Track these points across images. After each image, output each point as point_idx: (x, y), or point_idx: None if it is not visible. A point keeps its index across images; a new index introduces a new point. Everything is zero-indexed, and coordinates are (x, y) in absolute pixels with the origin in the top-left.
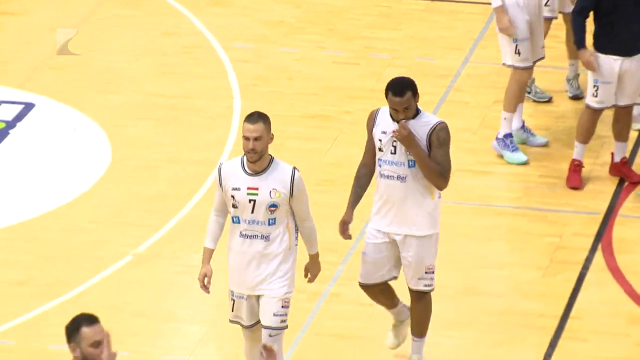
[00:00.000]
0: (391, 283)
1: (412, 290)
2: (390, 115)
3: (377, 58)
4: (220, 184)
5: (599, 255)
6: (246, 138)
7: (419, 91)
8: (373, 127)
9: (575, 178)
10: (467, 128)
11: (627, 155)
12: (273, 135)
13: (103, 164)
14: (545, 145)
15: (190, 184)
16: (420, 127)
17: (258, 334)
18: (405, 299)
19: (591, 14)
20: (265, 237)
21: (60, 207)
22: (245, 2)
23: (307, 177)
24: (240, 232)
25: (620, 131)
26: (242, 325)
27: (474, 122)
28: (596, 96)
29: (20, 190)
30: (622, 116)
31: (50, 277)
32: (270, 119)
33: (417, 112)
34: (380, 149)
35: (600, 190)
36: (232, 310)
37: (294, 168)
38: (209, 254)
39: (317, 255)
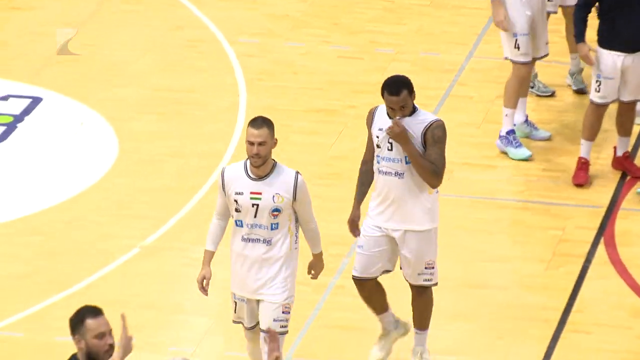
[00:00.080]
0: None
1: (413, 286)
2: (387, 114)
3: (381, 53)
4: (223, 188)
5: (601, 249)
6: (250, 143)
7: (414, 89)
8: (371, 124)
9: (581, 176)
10: (471, 122)
11: (630, 149)
12: (277, 140)
13: (110, 158)
14: (548, 139)
15: (196, 177)
16: (416, 125)
17: (258, 334)
18: (404, 294)
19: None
20: (267, 241)
21: (67, 200)
22: None
23: (312, 171)
24: (242, 236)
25: (623, 126)
26: (243, 326)
27: (477, 116)
28: (599, 91)
29: (28, 184)
30: (625, 111)
31: (57, 270)
32: (276, 112)
33: (414, 110)
34: (377, 146)
35: (602, 184)
36: (235, 312)
37: (297, 172)
38: (209, 256)
39: (321, 254)
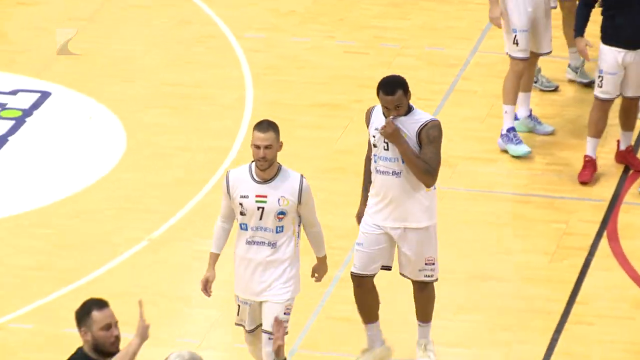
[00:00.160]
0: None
1: (414, 281)
2: (383, 113)
3: (386, 48)
4: (228, 192)
5: (604, 242)
6: (257, 146)
7: (410, 89)
8: (369, 124)
9: (585, 174)
10: (475, 117)
11: (633, 143)
12: (282, 142)
13: (118, 152)
14: (552, 133)
15: (203, 171)
16: (411, 125)
17: (258, 337)
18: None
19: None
20: (272, 244)
21: (76, 193)
22: None
23: (318, 165)
24: (247, 239)
25: (627, 121)
26: (244, 329)
27: (482, 110)
28: (601, 87)
29: (37, 178)
30: (629, 107)
31: (66, 263)
32: (282, 107)
33: (410, 109)
34: (374, 145)
35: (605, 178)
36: (238, 315)
37: (302, 176)
38: (214, 259)
39: (324, 257)
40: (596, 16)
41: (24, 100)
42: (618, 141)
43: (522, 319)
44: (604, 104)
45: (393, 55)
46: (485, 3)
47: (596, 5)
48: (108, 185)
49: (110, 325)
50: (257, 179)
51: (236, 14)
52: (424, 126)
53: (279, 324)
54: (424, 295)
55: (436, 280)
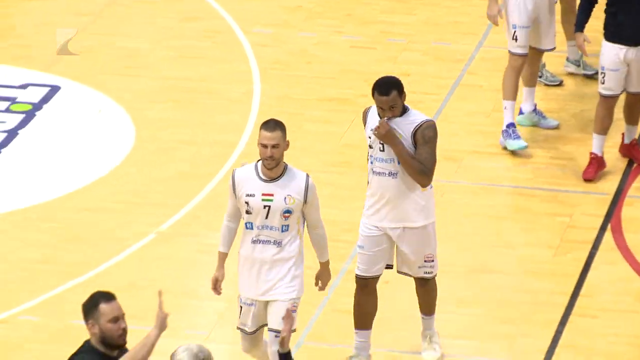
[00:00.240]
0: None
1: (415, 277)
2: (378, 114)
3: (393, 43)
4: (234, 190)
5: (608, 235)
6: (264, 145)
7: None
8: (365, 125)
9: (589, 171)
10: (481, 111)
11: (637, 137)
12: (289, 141)
13: (127, 145)
14: (556, 127)
15: (211, 165)
16: (406, 125)
17: (259, 340)
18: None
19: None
20: (278, 243)
21: (84, 187)
22: None
23: (325, 159)
24: (253, 238)
25: (631, 115)
26: (245, 333)
27: (487, 104)
28: (604, 83)
29: (45, 171)
30: (633, 102)
31: (73, 256)
32: (290, 101)
33: (405, 110)
34: (370, 146)
35: (609, 172)
36: (240, 317)
37: (308, 175)
38: (222, 258)
39: (327, 263)
40: (599, 12)
41: (34, 94)
42: (623, 134)
43: (526, 312)
44: (608, 101)
45: (399, 50)
46: None
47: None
48: (116, 179)
49: (118, 318)
50: (263, 177)
51: (243, 9)
52: (419, 127)
53: (290, 316)
54: (425, 289)
55: (435, 275)
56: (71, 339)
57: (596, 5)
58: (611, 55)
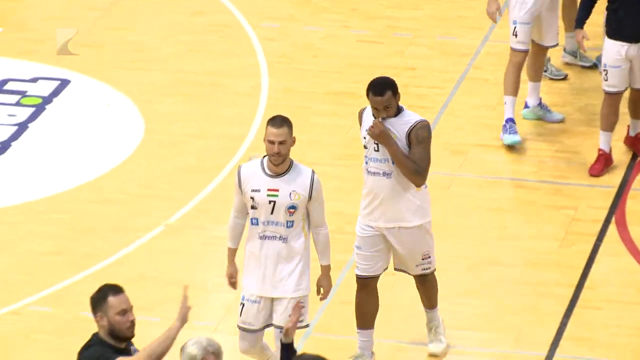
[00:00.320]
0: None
1: (413, 275)
2: (373, 114)
3: (399, 37)
4: (240, 186)
5: (612, 228)
6: (271, 142)
7: (399, 90)
8: (360, 125)
9: (596, 167)
10: (486, 104)
11: None
12: (295, 137)
13: (136, 138)
14: (561, 121)
15: (219, 158)
16: (400, 126)
17: (260, 339)
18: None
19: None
20: (284, 239)
21: (94, 179)
22: None
23: (332, 152)
24: (259, 234)
25: (636, 110)
26: (247, 331)
27: (492, 98)
28: (607, 80)
29: (56, 164)
30: (637, 98)
31: (84, 247)
32: (297, 95)
33: (400, 110)
34: (365, 147)
35: (614, 165)
36: (241, 315)
37: (313, 171)
38: (232, 253)
39: (329, 267)
40: (601, 6)
41: (44, 88)
42: (628, 126)
43: (531, 303)
44: (612, 98)
45: (406, 45)
46: None
47: None
48: (124, 171)
49: (126, 311)
50: (269, 173)
51: (251, 3)
52: (413, 127)
53: (299, 307)
54: (425, 286)
55: (434, 270)
56: (81, 330)
57: (598, 2)
58: (613, 52)
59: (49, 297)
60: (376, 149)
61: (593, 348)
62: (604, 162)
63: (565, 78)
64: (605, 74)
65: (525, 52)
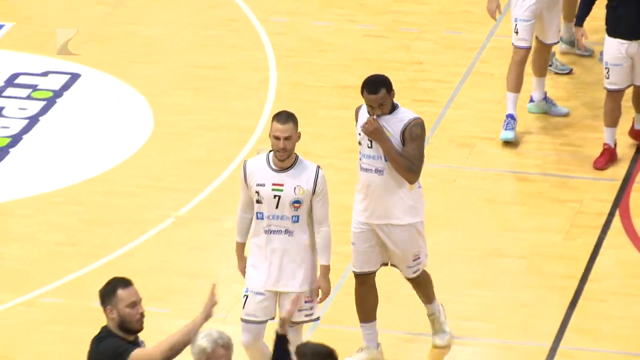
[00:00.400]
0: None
1: (406, 278)
2: (368, 112)
3: (405, 32)
4: (245, 180)
5: (617, 220)
6: (276, 138)
7: (394, 87)
8: (357, 122)
9: (600, 160)
10: (492, 98)
11: None
12: (300, 133)
13: (145, 131)
14: (566, 115)
15: (228, 150)
16: (395, 123)
17: (263, 332)
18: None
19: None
20: (289, 233)
21: (104, 172)
22: None
23: (339, 145)
24: (264, 229)
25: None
26: (251, 323)
27: (498, 92)
28: (608, 78)
29: (67, 156)
30: None
31: (95, 239)
32: (305, 88)
33: (394, 107)
34: (359, 143)
35: (618, 158)
36: (244, 307)
37: (318, 166)
38: (240, 248)
39: (328, 268)
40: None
41: (55, 82)
42: (634, 118)
43: (537, 295)
44: (614, 95)
45: (412, 39)
46: None
47: None
48: (135, 163)
49: (136, 303)
50: (274, 167)
51: None
52: (407, 124)
53: (297, 300)
54: (419, 285)
55: (424, 270)
56: (93, 320)
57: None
58: (613, 50)
59: (61, 288)
60: (369, 145)
61: (597, 339)
62: (608, 156)
63: (570, 72)
64: (607, 72)
65: (527, 49)
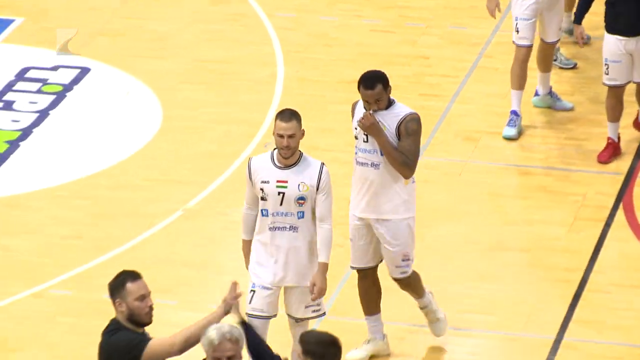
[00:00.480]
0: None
1: (393, 278)
2: (364, 107)
3: (412, 27)
4: (250, 178)
5: (620, 213)
6: (280, 136)
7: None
8: (353, 117)
9: (604, 154)
10: (497, 93)
11: None
12: (304, 130)
13: (154, 125)
14: (571, 109)
15: (236, 144)
16: (391, 118)
17: (267, 328)
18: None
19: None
20: (294, 229)
21: (113, 165)
22: None
23: (346, 139)
24: (269, 226)
25: None
26: (257, 318)
27: (502, 87)
28: (607, 74)
29: (76, 150)
30: None
31: (104, 232)
32: (312, 83)
33: (391, 103)
34: (356, 137)
35: (622, 152)
36: (250, 303)
37: (322, 163)
38: (247, 246)
39: (325, 265)
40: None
41: (65, 76)
42: (638, 111)
43: (541, 287)
44: (615, 90)
45: (418, 34)
46: None
47: None
48: (144, 157)
49: (145, 296)
50: (278, 164)
51: None
52: (403, 119)
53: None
54: (408, 286)
55: (409, 275)
56: (102, 312)
57: None
58: (612, 47)
59: (70, 280)
60: (365, 140)
61: (601, 331)
62: (612, 150)
63: (574, 67)
64: (606, 68)
65: (528, 47)
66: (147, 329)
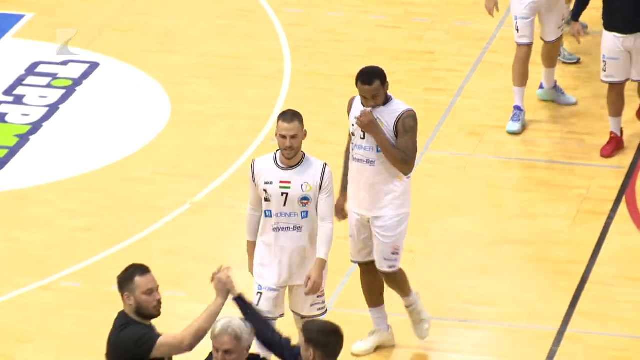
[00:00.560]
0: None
1: (380, 271)
2: (362, 103)
3: (417, 22)
4: (253, 179)
5: (623, 207)
6: (282, 136)
7: (387, 79)
8: (349, 113)
9: (607, 148)
10: (501, 87)
11: None
12: (306, 131)
13: (163, 119)
14: (574, 104)
15: (243, 138)
16: (389, 115)
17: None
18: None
19: None
20: (298, 229)
21: (122, 159)
22: None
23: None
24: (273, 226)
25: None
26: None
27: (507, 81)
28: (605, 70)
29: (86, 144)
30: None
31: (113, 225)
32: (319, 77)
33: (388, 99)
34: (352, 134)
35: (624, 146)
36: (258, 305)
37: (325, 164)
38: (251, 247)
39: (323, 262)
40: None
41: (74, 70)
42: None
43: (545, 280)
44: (614, 87)
45: (424, 30)
46: None
47: None
48: (153, 151)
49: (153, 290)
50: (281, 165)
51: None
52: (400, 116)
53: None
54: (395, 282)
55: (397, 270)
56: (110, 304)
57: None
58: (610, 44)
59: (79, 273)
60: (362, 136)
61: (604, 323)
62: (615, 144)
63: (577, 62)
64: (604, 65)
65: (529, 45)
66: (157, 321)
